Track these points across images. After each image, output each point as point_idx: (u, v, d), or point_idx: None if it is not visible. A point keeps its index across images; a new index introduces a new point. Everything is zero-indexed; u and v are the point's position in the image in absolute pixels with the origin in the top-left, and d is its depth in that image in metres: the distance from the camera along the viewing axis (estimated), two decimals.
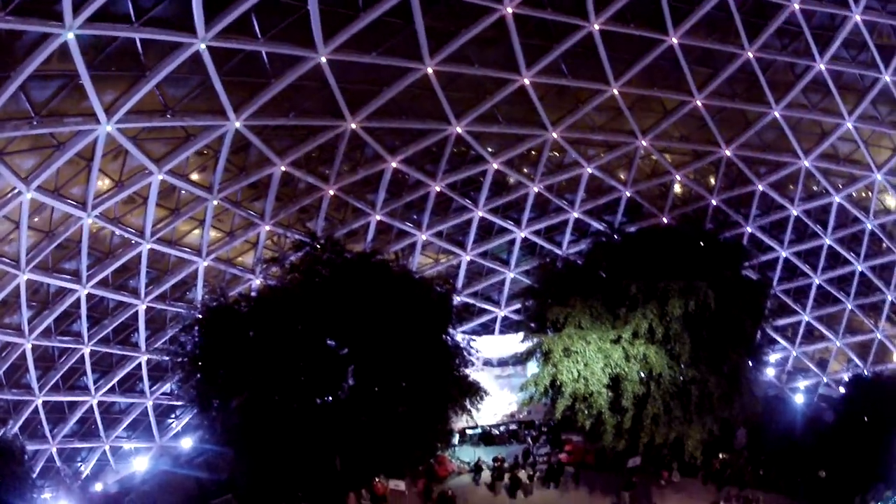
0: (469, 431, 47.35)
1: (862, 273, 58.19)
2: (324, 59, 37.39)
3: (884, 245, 56.87)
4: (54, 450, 48.00)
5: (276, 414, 32.77)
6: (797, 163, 52.48)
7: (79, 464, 51.13)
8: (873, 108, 50.45)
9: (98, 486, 48.88)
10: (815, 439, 48.13)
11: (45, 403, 46.00)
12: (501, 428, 48.83)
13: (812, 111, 50.47)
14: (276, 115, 40.16)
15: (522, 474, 44.33)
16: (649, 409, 39.39)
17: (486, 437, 48.32)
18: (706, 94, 47.73)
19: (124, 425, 51.44)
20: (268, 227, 46.02)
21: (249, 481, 34.87)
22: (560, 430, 47.73)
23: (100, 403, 49.05)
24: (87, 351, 45.73)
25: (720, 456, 48.09)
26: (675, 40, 44.36)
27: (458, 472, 44.40)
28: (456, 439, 46.14)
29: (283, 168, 42.87)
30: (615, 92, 45.78)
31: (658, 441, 40.62)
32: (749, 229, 55.53)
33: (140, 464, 50.55)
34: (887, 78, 49.06)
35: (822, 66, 48.13)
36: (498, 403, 46.90)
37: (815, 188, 55.12)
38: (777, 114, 49.61)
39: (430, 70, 40.68)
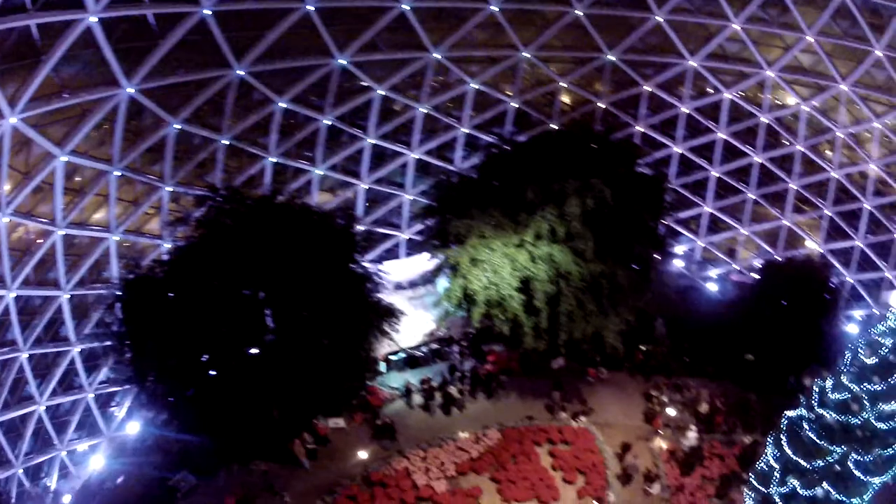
0: (393, 358, 49.25)
1: (762, 165, 61.69)
2: (208, 12, 39.15)
3: (782, 137, 59.89)
4: (20, 472, 48.45)
5: (207, 373, 34.56)
6: (683, 63, 55.34)
7: (43, 479, 51.74)
8: (762, 10, 53.24)
9: (66, 499, 49.47)
10: (732, 324, 51.88)
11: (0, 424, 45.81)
12: (423, 349, 50.77)
13: (696, 15, 53.55)
14: (166, 74, 41.62)
15: (453, 390, 46.53)
16: (563, 306, 42.18)
17: (410, 361, 50.08)
18: (587, 4, 50.34)
19: (73, 426, 52.20)
20: (169, 189, 47.23)
21: (198, 450, 36.37)
22: (480, 342, 50.14)
23: (47, 409, 49.47)
24: (24, 357, 45.86)
25: (642, 347, 51.30)
26: None
27: (390, 399, 46.29)
28: (382, 367, 48.07)
29: (176, 126, 44.50)
30: (493, 8, 48.19)
31: (577, 336, 43.72)
32: (640, 129, 58.85)
33: (96, 462, 50.62)
34: None
35: None
36: (416, 325, 49.11)
37: (706, 88, 58.32)
38: (660, 18, 52.43)
39: (310, 8, 42.67)
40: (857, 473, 31.52)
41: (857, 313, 61.07)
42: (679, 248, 63.21)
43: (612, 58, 54.05)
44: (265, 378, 34.42)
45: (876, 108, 55.45)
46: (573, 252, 41.89)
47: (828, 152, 59.74)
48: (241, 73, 43.85)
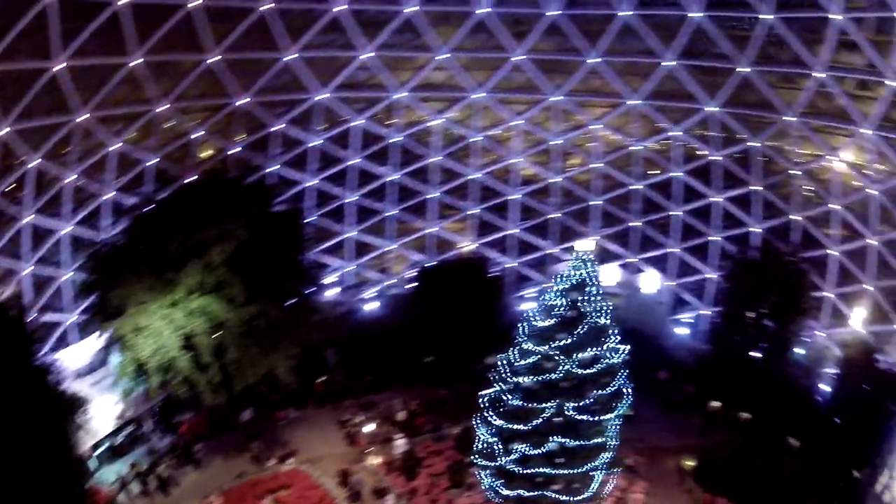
0: (99, 450, 49.50)
1: (400, 182, 68.40)
2: None
3: (417, 153, 67.55)
4: None
5: None
6: (311, 97, 60.94)
7: None
8: (395, 36, 59.89)
9: None
10: (405, 333, 60.02)
11: None
12: (122, 433, 51.54)
13: (327, 49, 59.54)
14: None
15: (161, 470, 48.64)
16: (229, 355, 46.24)
17: (115, 449, 50.81)
18: (221, 49, 54.57)
19: None
20: None
21: None
22: (170, 413, 52.97)
23: None
24: None
25: (320, 379, 57.54)
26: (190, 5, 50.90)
27: (113, 495, 46.73)
28: (93, 463, 48.18)
29: None
30: (136, 63, 50.69)
31: (252, 381, 48.04)
32: (275, 167, 63.33)
33: None
34: (406, 10, 58.39)
35: (341, 7, 56.89)
36: (107, 410, 49.87)
37: (338, 118, 64.00)
38: (290, 58, 57.87)
39: None
40: (582, 417, 38.48)
41: (530, 292, 69.90)
42: (332, 277, 68.53)
43: (241, 102, 58.31)
44: None
45: (516, 107, 65.29)
46: (226, 299, 45.94)
47: (470, 158, 68.11)
48: None
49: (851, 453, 49.25)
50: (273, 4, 54.31)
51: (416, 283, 63.35)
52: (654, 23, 57.98)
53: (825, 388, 57.24)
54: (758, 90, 57.38)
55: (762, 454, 49.23)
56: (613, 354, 39.87)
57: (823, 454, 50.30)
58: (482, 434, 40.23)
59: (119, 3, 46.97)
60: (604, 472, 40.00)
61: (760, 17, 53.64)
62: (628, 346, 40.85)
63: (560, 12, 58.07)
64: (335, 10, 56.35)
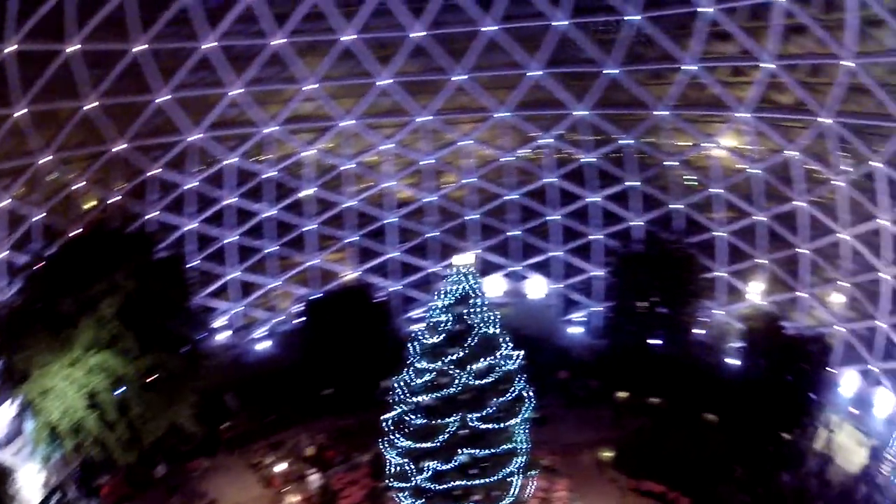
0: None
1: (277, 218, 68.08)
2: None
3: (291, 186, 67.60)
4: None
5: None
6: (184, 139, 60.61)
7: None
8: (264, 69, 60.41)
9: None
10: (301, 366, 60.85)
11: None
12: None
13: (196, 88, 59.40)
14: None
15: None
16: (133, 410, 45.99)
17: None
18: (97, 95, 53.66)
19: None
20: None
21: None
22: (90, 477, 51.38)
23: None
24: None
25: (224, 425, 57.69)
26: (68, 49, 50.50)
27: None
28: None
29: None
30: (21, 113, 49.52)
31: (160, 434, 47.75)
32: (155, 214, 62.23)
33: None
34: (273, 42, 58.82)
35: (211, 45, 56.84)
36: (32, 479, 48.37)
37: (211, 158, 63.67)
38: (162, 99, 57.54)
39: None
40: (487, 426, 39.71)
41: (418, 313, 70.28)
42: (221, 321, 67.90)
43: (121, 147, 57.48)
44: None
45: (385, 131, 66.47)
46: (122, 353, 45.66)
47: (343, 186, 68.60)
48: None
49: (775, 418, 52.44)
50: (146, 46, 54.35)
51: (303, 318, 63.93)
52: (519, 35, 60.22)
53: (735, 361, 60.23)
54: (627, 89, 60.37)
55: (679, 434, 52.02)
56: (508, 361, 41.15)
57: (743, 424, 53.11)
58: (392, 457, 41.17)
59: (4, 52, 46.41)
60: (521, 476, 41.27)
61: (626, 18, 56.66)
62: (522, 352, 42.20)
63: (424, 33, 59.72)
64: (204, 46, 56.72)
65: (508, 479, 40.57)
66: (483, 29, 59.38)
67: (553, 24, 58.31)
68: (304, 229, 68.75)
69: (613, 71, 59.37)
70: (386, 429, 41.23)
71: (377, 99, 63.89)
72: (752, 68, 55.87)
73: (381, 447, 41.63)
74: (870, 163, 52.18)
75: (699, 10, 54.09)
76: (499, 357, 40.45)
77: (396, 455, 40.71)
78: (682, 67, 57.30)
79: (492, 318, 40.78)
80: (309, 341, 61.34)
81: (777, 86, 55.58)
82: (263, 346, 68.81)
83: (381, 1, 58.90)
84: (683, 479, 49.19)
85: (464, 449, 39.37)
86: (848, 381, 58.39)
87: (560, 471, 50.62)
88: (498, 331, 40.96)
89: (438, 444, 39.42)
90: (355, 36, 59.49)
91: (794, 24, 52.01)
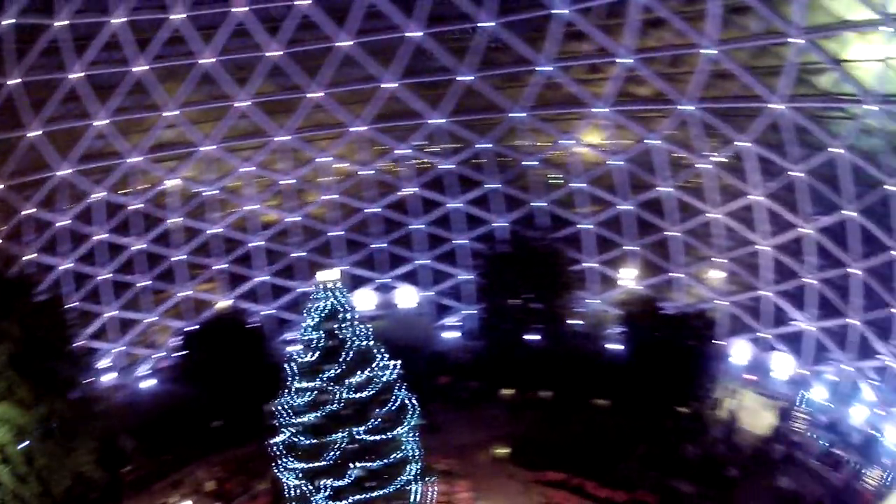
0: None
1: (147, 251, 67.54)
2: None
3: (159, 217, 67.35)
4: None
5: None
6: (53, 175, 59.66)
7: None
8: (125, 99, 60.18)
9: None
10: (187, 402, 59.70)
11: None
12: None
13: (66, 120, 58.62)
14: None
15: None
16: (37, 461, 44.53)
17: None
18: None
19: None
20: None
21: None
22: None
23: None
24: None
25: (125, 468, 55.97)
26: None
27: None
28: None
29: None
30: None
31: (68, 483, 46.14)
32: (32, 255, 60.97)
33: None
34: (136, 69, 58.67)
35: (77, 75, 56.76)
36: None
37: (80, 192, 62.64)
38: (34, 134, 56.91)
39: None
40: (375, 437, 39.98)
41: (293, 334, 69.83)
42: (105, 362, 66.78)
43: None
44: None
45: (245, 154, 66.61)
46: (18, 403, 44.25)
47: (207, 213, 68.49)
48: None
49: (668, 394, 54.48)
50: (19, 80, 53.41)
51: (183, 351, 63.00)
52: (374, 49, 60.96)
53: (618, 346, 61.99)
54: (482, 95, 61.56)
55: (572, 422, 53.67)
56: (385, 372, 41.35)
57: (636, 404, 54.79)
58: (288, 481, 40.82)
59: None
60: (419, 483, 41.63)
61: (480, 25, 57.88)
62: (399, 362, 42.32)
63: (281, 52, 60.08)
64: (72, 76, 56.03)
65: (407, 488, 40.84)
66: (338, 44, 59.93)
67: (407, 35, 59.24)
68: (173, 259, 68.26)
69: (468, 78, 60.56)
70: (277, 453, 41.00)
71: (236, 122, 64.03)
72: (608, 65, 57.69)
73: (277, 472, 41.41)
74: (736, 143, 55.29)
75: (554, 11, 55.62)
76: (375, 369, 40.70)
77: (293, 478, 40.41)
78: (537, 69, 58.86)
79: (364, 331, 41.03)
80: (191, 375, 60.55)
81: (635, 79, 57.66)
82: (149, 383, 67.61)
83: (239, 21, 59.05)
84: (584, 464, 50.49)
85: (356, 463, 39.43)
86: (739, 350, 61.98)
87: (458, 473, 51.06)
88: (372, 343, 41.23)
89: (330, 461, 39.37)
90: (214, 59, 59.56)
91: (651, 19, 54.23)
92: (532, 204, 66.92)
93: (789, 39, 48.71)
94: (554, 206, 66.59)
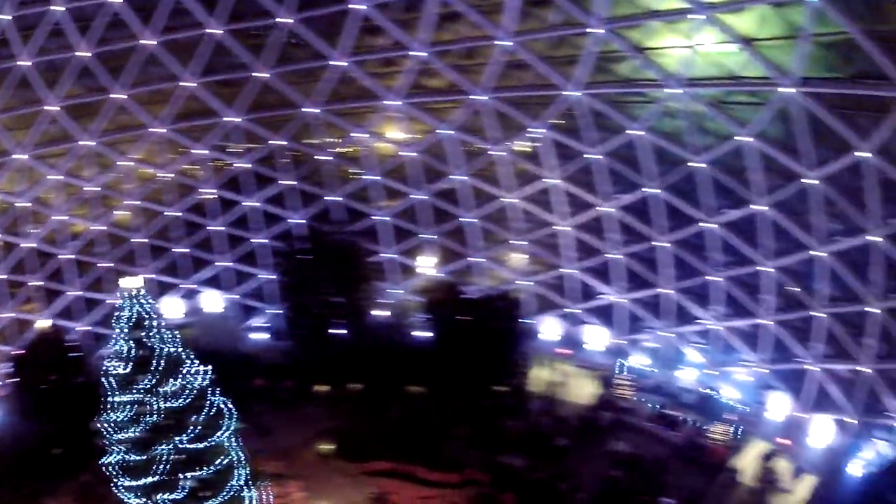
0: None
1: None
2: None
3: None
4: None
5: None
6: None
7: None
8: None
9: None
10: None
11: None
12: None
13: None
14: None
15: None
16: None
17: None
18: None
19: None
20: None
21: None
22: None
23: None
24: None
25: None
26: None
27: None
28: None
29: None
30: None
31: None
32: None
33: None
34: None
35: None
36: None
37: None
38: None
39: None
40: (198, 445, 39.37)
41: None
42: None
43: None
44: None
45: (52, 161, 64.70)
46: None
47: (20, 226, 66.57)
48: None
49: (481, 375, 56.67)
50: None
51: (14, 378, 60.35)
52: (176, 47, 59.80)
53: (427, 333, 63.04)
54: (279, 92, 61.33)
55: (392, 410, 55.10)
56: (197, 378, 40.52)
57: (451, 388, 56.58)
58: (127, 499, 39.77)
59: None
60: (251, 488, 41.34)
61: (279, 20, 57.55)
62: (210, 367, 41.41)
63: (90, 54, 58.71)
64: None
65: (240, 495, 40.50)
66: (143, 42, 58.72)
67: (208, 31, 58.42)
68: None
69: (265, 75, 60.31)
70: (110, 473, 39.65)
71: (47, 127, 62.07)
72: (402, 58, 58.62)
73: (117, 493, 40.14)
74: (527, 130, 57.76)
75: (351, 7, 55.95)
76: (187, 375, 39.90)
77: (132, 497, 39.42)
78: (332, 63, 59.05)
79: (171, 337, 39.98)
80: (21, 401, 58.30)
81: (429, 71, 58.55)
82: None
83: (56, 21, 57.63)
84: (408, 450, 51.80)
85: (186, 474, 38.86)
86: (550, 327, 64.73)
87: (289, 474, 50.83)
88: (181, 349, 40.27)
89: (159, 475, 38.52)
90: (30, 62, 58.32)
91: (447, 13, 55.24)
92: (327, 199, 67.02)
93: (589, 30, 50.96)
94: (350, 200, 66.90)
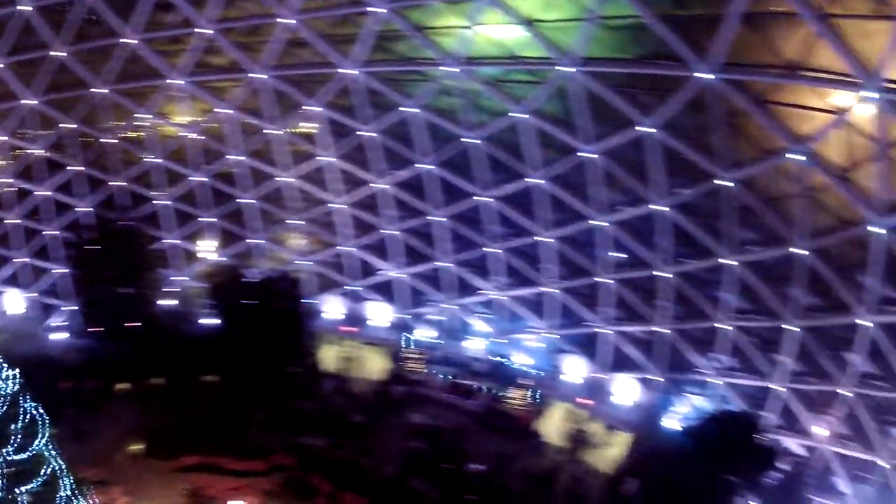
0: None
1: None
2: None
3: None
4: None
5: None
6: None
7: None
8: None
9: None
10: None
11: None
12: None
13: None
14: None
15: None
16: None
17: None
18: None
19: None
20: None
21: None
22: None
23: None
24: None
25: None
26: None
27: None
28: None
29: None
30: None
31: None
32: None
33: None
34: None
35: None
36: None
37: None
38: None
39: None
40: (23, 455, 36.93)
41: None
42: None
43: None
44: None
45: None
46: None
47: None
48: None
49: (271, 359, 56.40)
50: None
51: None
52: None
53: (214, 320, 61.92)
54: (72, 71, 58.39)
55: (191, 402, 54.13)
56: (8, 384, 37.64)
57: (242, 374, 55.89)
58: None
59: None
60: (79, 497, 39.14)
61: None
62: (17, 371, 38.63)
63: None
64: None
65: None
66: None
67: (19, 8, 55.18)
68: None
69: (61, 54, 57.59)
70: None
71: None
72: (189, 35, 56.92)
73: None
74: (303, 108, 57.76)
75: None
76: None
77: None
78: (121, 41, 56.82)
79: None
80: None
81: (213, 49, 57.17)
82: None
83: None
84: (210, 441, 50.96)
85: (19, 488, 36.19)
86: (332, 305, 65.10)
87: (109, 480, 48.49)
88: None
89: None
90: None
91: None
92: (112, 184, 64.52)
93: (370, 9, 51.22)
94: (134, 185, 64.66)
